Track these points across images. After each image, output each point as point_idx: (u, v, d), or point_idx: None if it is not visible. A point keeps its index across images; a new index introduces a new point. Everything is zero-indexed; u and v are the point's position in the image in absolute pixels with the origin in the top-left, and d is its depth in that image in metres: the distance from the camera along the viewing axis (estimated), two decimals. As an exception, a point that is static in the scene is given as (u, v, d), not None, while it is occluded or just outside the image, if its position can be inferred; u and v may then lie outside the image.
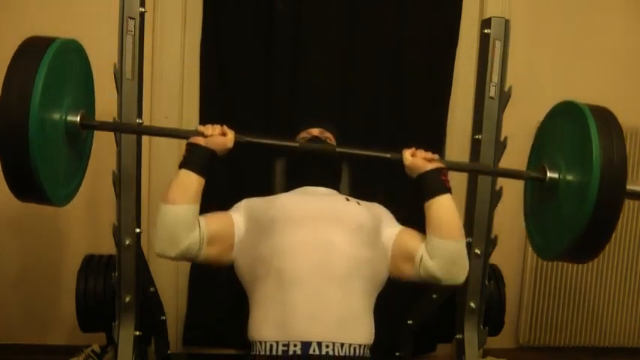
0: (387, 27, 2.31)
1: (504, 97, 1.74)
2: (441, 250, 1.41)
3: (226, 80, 2.26)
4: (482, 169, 1.74)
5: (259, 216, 1.46)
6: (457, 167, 1.66)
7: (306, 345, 1.30)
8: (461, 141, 2.32)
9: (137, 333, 1.71)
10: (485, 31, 1.74)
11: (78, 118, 1.38)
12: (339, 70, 2.30)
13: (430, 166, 1.46)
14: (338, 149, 1.55)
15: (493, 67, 1.72)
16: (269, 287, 1.36)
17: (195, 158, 1.40)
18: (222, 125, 1.44)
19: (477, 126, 1.79)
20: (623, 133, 1.33)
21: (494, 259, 1.87)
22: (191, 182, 1.38)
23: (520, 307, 2.54)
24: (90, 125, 1.45)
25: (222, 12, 2.24)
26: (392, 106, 2.34)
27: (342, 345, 1.31)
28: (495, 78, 1.72)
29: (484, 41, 1.76)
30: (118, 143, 1.64)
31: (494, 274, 1.99)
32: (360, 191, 1.86)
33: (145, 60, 1.67)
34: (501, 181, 1.78)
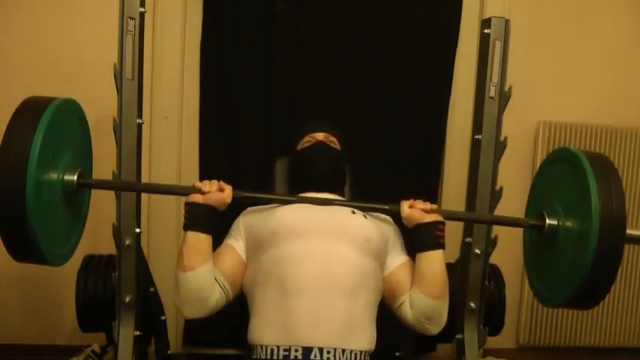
0: (387, 27, 2.31)
1: (504, 97, 1.74)
2: (419, 304, 1.42)
3: (226, 80, 2.26)
4: (480, 219, 1.74)
5: (258, 231, 1.46)
6: (454, 217, 1.64)
7: (307, 350, 1.29)
8: (461, 141, 2.32)
9: (137, 333, 1.71)
10: (486, 31, 1.74)
11: (75, 177, 1.38)
12: (339, 71, 2.30)
13: (428, 219, 1.45)
14: (335, 203, 1.51)
15: (493, 67, 1.72)
16: (269, 295, 1.36)
17: (198, 218, 1.40)
18: (219, 181, 1.44)
19: (477, 126, 1.79)
20: (621, 180, 1.34)
21: (494, 259, 1.87)
22: (201, 242, 1.39)
23: (520, 307, 2.54)
24: (87, 184, 1.45)
25: (222, 12, 2.24)
26: (392, 106, 2.34)
27: (343, 351, 1.31)
28: (495, 78, 1.72)
29: (484, 41, 1.76)
30: (118, 143, 1.64)
31: (494, 274, 1.99)
32: (361, 192, 1.86)
33: (145, 60, 1.67)
34: (501, 181, 1.78)
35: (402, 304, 1.44)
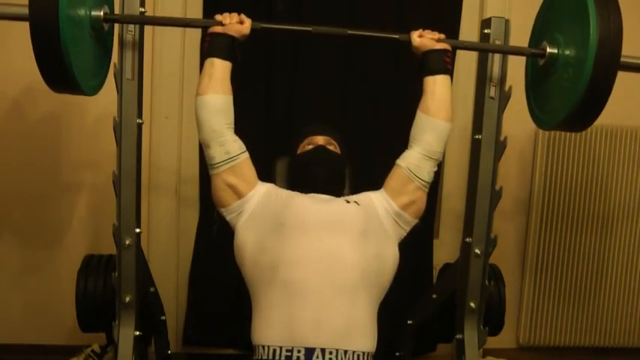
0: (387, 27, 2.31)
1: (504, 97, 1.74)
2: (428, 125, 1.52)
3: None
4: (486, 47, 1.77)
5: (273, 210, 1.46)
6: (463, 46, 1.72)
7: (309, 351, 1.29)
8: (461, 141, 2.32)
9: (137, 333, 1.70)
10: (485, 31, 1.74)
11: (101, 13, 1.46)
12: (338, 71, 2.31)
13: (437, 46, 1.55)
14: (349, 32, 1.60)
15: (493, 67, 1.72)
16: (274, 295, 1.36)
17: (217, 45, 1.49)
18: (239, 14, 1.52)
19: (477, 126, 1.79)
20: (619, 7, 1.42)
21: (494, 259, 1.87)
22: (215, 69, 1.48)
23: (520, 307, 2.54)
24: (112, 19, 1.53)
25: (222, 12, 2.24)
26: (392, 106, 2.34)
27: (345, 352, 1.31)
28: (495, 78, 1.72)
29: (484, 41, 1.76)
30: (118, 143, 1.63)
31: (495, 274, 1.99)
32: (360, 191, 1.86)
33: (145, 60, 1.67)
34: (501, 181, 1.78)
35: (409, 169, 1.52)
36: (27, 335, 2.35)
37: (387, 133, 2.35)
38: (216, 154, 1.47)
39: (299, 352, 1.30)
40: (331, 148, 1.66)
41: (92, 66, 1.50)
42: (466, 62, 2.34)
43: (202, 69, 1.50)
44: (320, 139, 1.67)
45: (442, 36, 1.57)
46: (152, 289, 1.89)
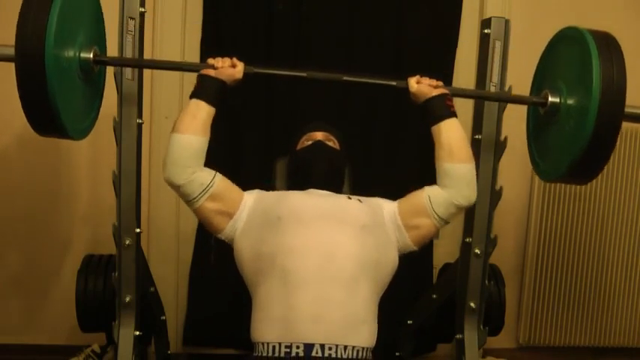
0: (387, 27, 2.31)
1: (504, 97, 1.74)
2: (455, 174, 1.45)
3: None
4: (487, 96, 1.75)
5: (267, 209, 1.46)
6: (462, 93, 1.69)
7: (308, 347, 1.29)
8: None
9: (137, 333, 1.70)
10: (485, 31, 1.74)
11: (91, 55, 1.42)
12: (339, 70, 2.30)
13: (435, 92, 1.50)
14: (345, 78, 1.57)
15: (493, 67, 1.72)
16: (273, 287, 1.36)
17: (206, 88, 1.44)
18: (231, 57, 1.48)
19: (477, 126, 1.79)
20: (623, 57, 1.37)
21: (494, 259, 1.87)
22: (200, 112, 1.42)
23: (520, 307, 2.54)
24: (102, 61, 1.49)
25: (222, 12, 2.24)
26: (392, 105, 2.34)
27: (345, 347, 1.31)
28: (495, 78, 1.72)
29: (484, 41, 1.76)
30: (118, 143, 1.64)
31: (495, 274, 1.99)
32: (360, 192, 1.86)
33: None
34: (501, 181, 1.79)
35: (430, 199, 1.46)
36: (27, 335, 2.35)
37: (387, 133, 2.35)
38: (190, 190, 1.42)
39: (298, 347, 1.30)
40: (330, 144, 1.66)
41: (81, 109, 1.45)
42: (466, 62, 2.34)
43: (186, 107, 1.44)
44: (319, 135, 1.68)
45: (440, 83, 1.53)
46: (152, 289, 1.89)
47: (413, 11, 2.31)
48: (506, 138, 1.76)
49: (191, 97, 1.44)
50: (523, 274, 2.53)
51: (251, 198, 1.50)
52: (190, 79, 2.27)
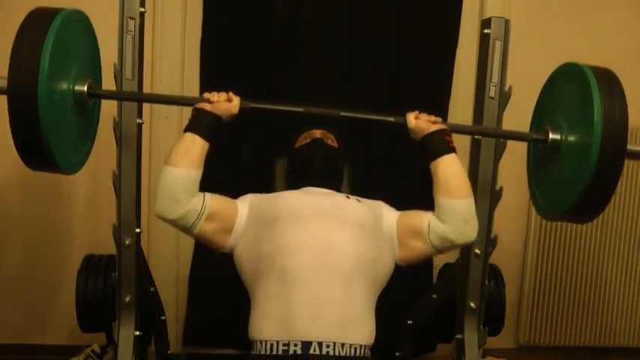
0: (387, 27, 2.31)
1: (504, 97, 1.74)
2: (452, 209, 1.41)
3: (226, 80, 2.26)
4: (486, 132, 1.74)
5: (263, 212, 1.46)
6: (460, 129, 1.66)
7: (306, 344, 1.29)
8: (461, 141, 2.31)
9: (137, 333, 1.70)
10: (485, 31, 1.74)
11: (85, 88, 1.39)
12: (339, 70, 2.31)
13: (434, 128, 1.48)
14: (342, 113, 1.55)
15: (493, 67, 1.72)
16: (271, 285, 1.36)
17: (201, 122, 1.42)
18: (227, 92, 1.46)
19: (477, 126, 1.79)
20: (624, 94, 1.35)
21: (494, 259, 1.87)
22: (195, 146, 1.39)
23: (520, 307, 2.54)
24: (97, 95, 1.46)
25: (222, 12, 2.24)
26: (392, 106, 2.34)
27: (342, 345, 1.31)
28: (495, 78, 1.72)
29: (484, 41, 1.75)
30: (118, 143, 1.64)
31: (495, 274, 1.99)
32: (360, 192, 1.86)
33: (145, 60, 1.67)
34: (501, 181, 1.78)
35: (429, 227, 1.43)
36: (27, 335, 2.35)
37: (387, 133, 2.35)
38: (185, 221, 1.39)
39: (296, 345, 1.30)
40: (329, 142, 1.66)
41: (73, 143, 1.42)
42: (466, 62, 2.34)
43: (181, 140, 1.40)
44: (317, 133, 1.68)
45: (438, 119, 1.50)
46: (152, 289, 1.89)
47: (413, 11, 2.31)
48: (506, 138, 1.76)
49: (186, 130, 1.41)
50: (523, 274, 2.53)
51: (245, 206, 1.49)
52: (190, 79, 2.30)
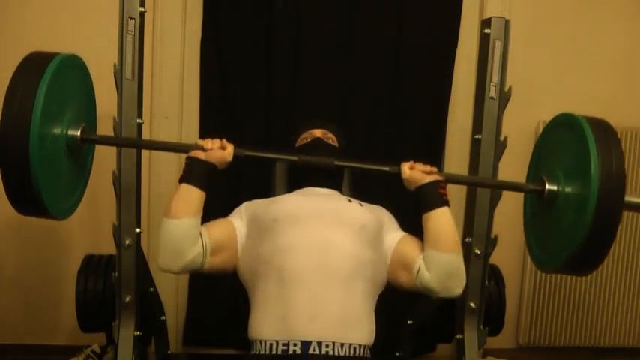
0: (387, 27, 2.31)
1: (504, 97, 1.74)
2: (438, 262, 1.40)
3: (226, 80, 2.27)
4: (481, 182, 1.74)
5: (260, 217, 1.46)
6: (455, 180, 1.66)
7: (305, 344, 1.30)
8: (461, 141, 2.32)
9: (137, 333, 1.71)
10: (485, 31, 1.74)
11: (79, 133, 1.38)
12: (339, 70, 2.31)
13: (428, 179, 1.46)
14: (336, 162, 1.53)
15: (493, 67, 1.72)
16: (270, 286, 1.36)
17: (196, 172, 1.40)
18: (221, 139, 1.45)
19: (477, 126, 1.79)
20: (620, 145, 1.34)
21: (494, 259, 1.87)
22: (192, 197, 1.38)
23: (520, 307, 2.54)
24: (90, 140, 1.45)
25: (222, 12, 2.24)
26: (392, 106, 2.34)
27: (342, 345, 1.32)
28: (495, 78, 1.72)
29: (484, 41, 1.76)
30: (118, 143, 1.64)
31: (495, 274, 1.99)
32: (360, 192, 1.86)
33: (145, 60, 1.67)
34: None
35: (418, 270, 1.42)
36: (27, 335, 2.35)
37: (387, 133, 2.35)
38: (192, 265, 1.40)
39: (295, 345, 1.30)
40: (329, 141, 1.66)
41: (65, 189, 1.41)
42: (466, 62, 2.34)
43: (177, 192, 1.39)
44: (318, 132, 1.68)
45: (434, 169, 1.50)
46: (152, 289, 1.89)
47: (413, 11, 2.31)
48: (506, 138, 1.76)
49: (180, 181, 1.40)
50: (523, 274, 2.52)
51: (240, 221, 1.49)
52: (190, 80, 2.29)
